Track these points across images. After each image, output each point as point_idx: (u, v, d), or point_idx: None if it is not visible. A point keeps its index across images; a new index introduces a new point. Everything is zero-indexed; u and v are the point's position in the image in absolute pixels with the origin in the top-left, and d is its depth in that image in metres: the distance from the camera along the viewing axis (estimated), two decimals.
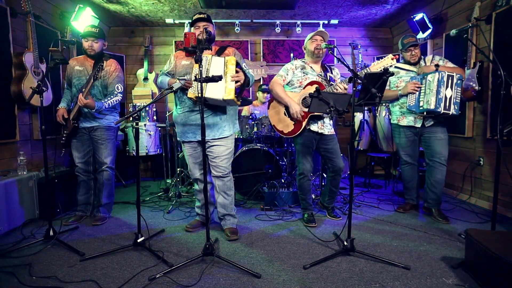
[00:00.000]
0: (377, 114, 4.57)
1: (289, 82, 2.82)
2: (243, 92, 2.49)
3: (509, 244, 1.79)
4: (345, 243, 2.17)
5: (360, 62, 5.04)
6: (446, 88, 2.63)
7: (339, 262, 2.09)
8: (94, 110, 2.70)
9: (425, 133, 2.94)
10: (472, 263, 1.93)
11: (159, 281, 1.87)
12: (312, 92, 2.11)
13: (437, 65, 2.75)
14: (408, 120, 2.97)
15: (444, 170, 2.88)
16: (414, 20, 4.06)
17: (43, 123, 2.33)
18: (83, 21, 3.80)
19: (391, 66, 2.56)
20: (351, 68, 2.21)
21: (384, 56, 2.57)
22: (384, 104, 4.47)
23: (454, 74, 2.65)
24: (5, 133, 2.94)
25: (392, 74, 2.10)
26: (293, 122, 2.73)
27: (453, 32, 2.50)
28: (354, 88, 2.11)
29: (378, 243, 2.42)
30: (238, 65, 2.31)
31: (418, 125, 2.92)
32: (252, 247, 2.36)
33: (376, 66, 2.56)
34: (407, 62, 2.98)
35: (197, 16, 2.50)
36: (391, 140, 4.39)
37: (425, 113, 2.79)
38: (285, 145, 3.93)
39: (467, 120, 3.52)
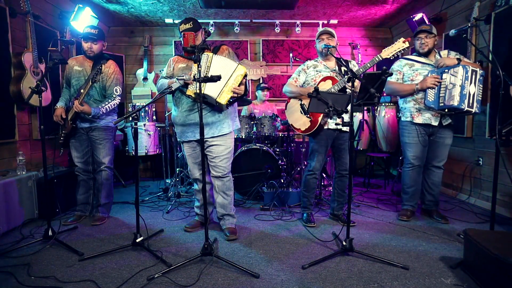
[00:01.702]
0: (377, 114, 4.56)
1: (304, 82, 2.80)
2: (234, 102, 2.52)
3: (508, 244, 1.78)
4: (344, 243, 2.17)
5: (359, 62, 5.04)
6: (470, 84, 2.43)
7: (338, 262, 2.09)
8: (90, 116, 2.70)
9: (434, 134, 2.78)
10: (471, 263, 1.93)
11: (157, 281, 1.87)
12: (311, 92, 2.11)
13: (459, 59, 2.59)
14: (424, 118, 2.74)
15: (441, 172, 2.86)
16: (414, 20, 4.06)
17: (42, 123, 2.34)
18: (82, 21, 3.81)
19: (403, 50, 2.45)
20: (349, 68, 2.20)
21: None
22: (383, 104, 4.47)
23: (478, 70, 2.46)
24: (4, 133, 2.94)
25: (391, 74, 2.10)
26: (309, 119, 2.69)
27: (452, 32, 2.49)
28: (352, 88, 2.10)
29: (377, 243, 2.42)
30: (245, 76, 2.33)
31: (435, 123, 2.72)
32: (251, 247, 2.36)
33: (388, 52, 2.49)
34: (418, 54, 2.82)
35: (184, 27, 2.41)
36: (390, 140, 4.40)
37: (446, 110, 2.58)
38: (285, 145, 3.93)
39: (467, 120, 3.52)
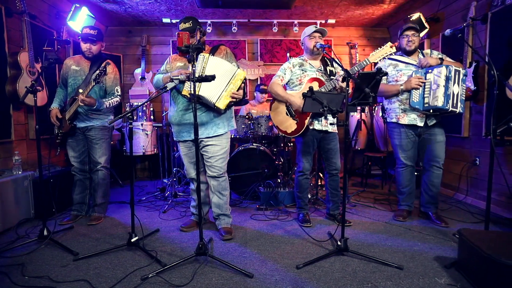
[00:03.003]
0: (374, 114, 4.56)
1: (289, 81, 2.79)
2: (232, 106, 2.53)
3: (502, 244, 1.79)
4: (339, 243, 2.16)
5: (357, 62, 5.04)
6: (454, 84, 2.43)
7: (333, 262, 2.09)
8: (94, 107, 2.70)
9: (424, 133, 2.75)
10: (464, 263, 1.93)
11: (151, 280, 1.87)
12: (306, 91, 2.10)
13: (441, 59, 2.58)
14: (410, 119, 2.73)
15: (441, 173, 2.79)
16: (411, 19, 4.05)
17: (37, 123, 2.34)
18: (79, 20, 3.81)
19: (391, 54, 2.48)
20: (344, 68, 2.20)
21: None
22: (381, 104, 4.47)
23: (461, 69, 2.47)
24: (0, 133, 2.94)
25: (386, 74, 2.10)
26: (295, 121, 2.69)
27: (447, 32, 2.48)
28: (347, 88, 2.10)
29: (372, 243, 2.42)
30: (244, 80, 2.35)
31: (421, 124, 2.70)
32: (246, 247, 2.36)
33: (375, 56, 2.50)
34: (404, 52, 2.79)
35: (183, 26, 2.40)
36: (387, 140, 4.39)
37: (431, 111, 2.57)
38: (282, 145, 3.93)
39: (464, 120, 3.52)
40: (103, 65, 2.62)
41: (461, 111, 2.51)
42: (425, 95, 2.55)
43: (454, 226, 2.70)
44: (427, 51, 2.82)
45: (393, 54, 2.56)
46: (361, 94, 2.13)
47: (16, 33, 3.15)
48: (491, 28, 3.08)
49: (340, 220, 2.79)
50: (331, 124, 2.68)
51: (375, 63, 2.67)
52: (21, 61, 2.97)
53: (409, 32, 2.70)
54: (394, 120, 2.82)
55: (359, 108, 4.42)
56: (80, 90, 2.66)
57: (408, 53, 2.78)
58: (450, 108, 2.45)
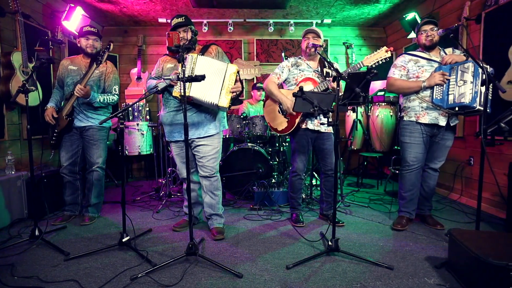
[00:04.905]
0: (370, 114, 4.56)
1: (285, 80, 2.79)
2: (235, 101, 2.48)
3: (490, 244, 1.78)
4: (330, 243, 2.16)
5: (354, 62, 5.04)
6: (481, 82, 2.24)
7: (323, 262, 2.09)
8: (87, 99, 2.69)
9: (437, 135, 2.60)
10: (454, 263, 1.93)
11: (140, 280, 1.87)
12: (296, 91, 2.10)
13: (466, 56, 2.43)
14: (431, 117, 2.53)
15: (437, 176, 2.74)
16: (406, 19, 4.05)
17: (29, 123, 2.34)
18: (74, 20, 3.80)
19: (386, 59, 2.44)
20: (335, 67, 2.20)
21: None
22: (378, 104, 4.46)
23: (488, 67, 2.28)
24: None
25: (376, 74, 2.10)
26: (287, 120, 2.70)
27: (439, 32, 2.48)
28: (338, 88, 2.10)
29: (364, 243, 2.41)
30: (237, 73, 2.33)
31: (443, 123, 2.51)
32: (237, 247, 2.36)
33: (370, 59, 2.48)
34: (424, 48, 2.61)
35: (176, 21, 2.43)
36: (383, 140, 4.39)
37: (456, 109, 2.36)
38: (277, 144, 3.93)
39: (458, 120, 3.51)
40: (105, 47, 2.63)
41: (488, 111, 2.27)
42: (450, 92, 2.36)
43: (448, 226, 2.70)
44: (449, 49, 2.66)
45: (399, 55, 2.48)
46: (351, 94, 2.13)
47: (10, 33, 3.15)
48: (485, 28, 3.08)
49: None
50: (322, 124, 2.68)
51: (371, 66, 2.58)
52: (14, 61, 2.97)
53: (427, 27, 2.55)
54: (413, 118, 2.60)
55: (350, 107, 4.42)
56: (79, 85, 2.65)
57: (428, 49, 2.60)
58: (478, 107, 2.24)
